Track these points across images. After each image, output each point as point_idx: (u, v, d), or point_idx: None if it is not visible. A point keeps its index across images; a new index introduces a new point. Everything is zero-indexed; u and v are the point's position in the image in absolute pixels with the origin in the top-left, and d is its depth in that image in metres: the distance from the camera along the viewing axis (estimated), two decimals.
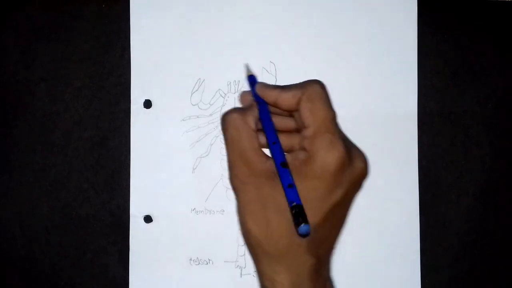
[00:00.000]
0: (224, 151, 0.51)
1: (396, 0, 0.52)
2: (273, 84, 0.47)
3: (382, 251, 0.52)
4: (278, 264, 0.42)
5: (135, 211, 0.51)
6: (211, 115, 0.52)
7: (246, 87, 0.51)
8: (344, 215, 0.45)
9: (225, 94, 0.52)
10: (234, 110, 0.43)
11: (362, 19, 0.52)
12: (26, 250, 0.52)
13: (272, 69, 0.52)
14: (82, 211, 0.52)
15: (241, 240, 0.51)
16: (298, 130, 0.45)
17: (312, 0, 0.52)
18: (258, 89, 0.46)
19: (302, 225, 0.38)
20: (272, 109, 0.46)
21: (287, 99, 0.44)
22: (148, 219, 0.51)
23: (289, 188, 0.40)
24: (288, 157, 0.43)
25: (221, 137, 0.51)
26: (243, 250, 0.51)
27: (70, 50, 0.52)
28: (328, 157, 0.41)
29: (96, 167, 0.52)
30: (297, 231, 0.39)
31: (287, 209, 0.41)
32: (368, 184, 0.48)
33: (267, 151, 0.43)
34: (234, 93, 0.52)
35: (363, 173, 0.44)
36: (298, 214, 0.39)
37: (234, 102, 0.51)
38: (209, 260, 0.51)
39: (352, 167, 0.43)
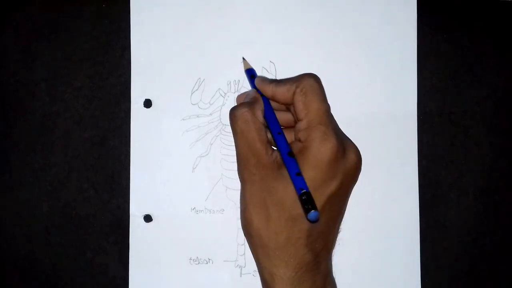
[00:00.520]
0: (224, 151, 0.51)
1: (396, 0, 0.52)
2: (271, 78, 0.48)
3: (382, 251, 0.52)
4: (277, 258, 0.43)
5: (135, 211, 0.51)
6: (211, 114, 0.52)
7: (245, 87, 0.52)
8: (340, 209, 0.46)
9: (225, 94, 0.52)
10: (243, 104, 0.45)
11: (362, 19, 0.52)
12: (26, 250, 0.52)
13: (272, 69, 0.52)
14: (82, 210, 0.52)
15: (241, 239, 0.51)
16: (295, 124, 0.46)
17: (312, 0, 0.52)
18: (257, 83, 0.47)
19: (312, 211, 0.39)
20: (271, 104, 0.47)
21: (282, 93, 0.45)
22: (148, 218, 0.51)
23: (297, 176, 0.41)
24: None
25: (221, 136, 0.51)
26: (243, 249, 0.51)
27: (70, 50, 0.53)
28: (321, 147, 0.43)
29: (96, 166, 0.52)
30: (307, 217, 0.40)
31: (288, 202, 0.43)
32: (368, 184, 0.49)
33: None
34: (234, 92, 0.52)
35: (356, 165, 0.45)
36: (307, 201, 0.40)
37: (234, 101, 0.51)
38: (209, 259, 0.51)
39: (346, 159, 0.44)
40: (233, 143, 0.50)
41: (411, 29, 0.52)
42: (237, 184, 0.50)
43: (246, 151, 0.44)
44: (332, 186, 0.43)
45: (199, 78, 0.52)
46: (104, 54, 0.52)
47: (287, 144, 0.44)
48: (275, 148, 0.45)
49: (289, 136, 0.46)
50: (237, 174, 0.46)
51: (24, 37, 0.53)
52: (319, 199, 0.43)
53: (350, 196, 0.47)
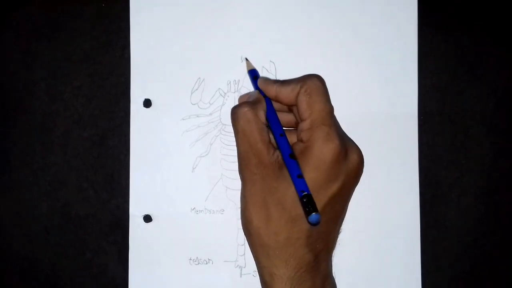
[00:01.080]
0: (224, 151, 0.51)
1: (396, 0, 0.52)
2: (274, 78, 0.48)
3: (382, 251, 0.52)
4: (277, 258, 0.43)
5: (134, 211, 0.51)
6: (211, 114, 0.52)
7: (245, 86, 0.52)
8: (341, 210, 0.46)
9: (225, 94, 0.52)
10: (245, 103, 0.45)
11: (362, 19, 0.52)
12: (25, 250, 0.52)
13: (272, 68, 0.52)
14: (81, 210, 0.52)
15: (241, 240, 0.51)
16: (297, 125, 0.46)
17: (312, 0, 0.52)
18: (260, 84, 0.47)
19: (313, 214, 0.40)
20: (273, 104, 0.47)
21: (286, 93, 0.45)
22: (147, 218, 0.51)
23: (299, 178, 0.41)
24: None
25: (221, 136, 0.51)
26: (243, 249, 0.51)
27: (70, 50, 0.53)
28: (324, 148, 0.43)
29: (96, 166, 0.52)
30: (308, 220, 0.40)
31: (289, 203, 0.43)
32: (368, 184, 0.49)
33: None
34: (234, 92, 0.52)
35: (358, 166, 0.45)
36: (308, 203, 0.40)
37: (234, 101, 0.51)
38: (209, 259, 0.51)
39: (348, 160, 0.44)
40: (233, 143, 0.50)
41: (411, 29, 0.52)
42: (237, 184, 0.50)
43: (247, 151, 0.44)
44: (334, 187, 0.43)
45: (199, 77, 0.52)
46: (104, 54, 0.52)
47: (288, 146, 0.44)
48: (276, 148, 0.45)
49: (291, 138, 0.46)
50: (237, 174, 0.46)
51: (24, 37, 0.53)
52: (320, 200, 0.43)
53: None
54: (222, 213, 0.51)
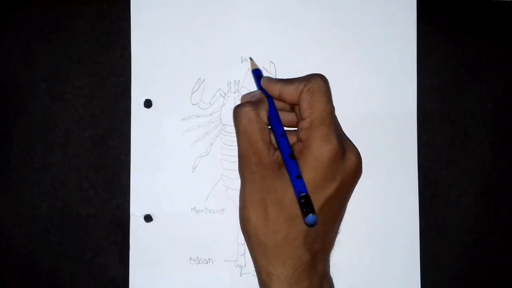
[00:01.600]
0: (224, 151, 0.51)
1: (396, 0, 0.52)
2: (277, 78, 0.48)
3: (382, 251, 0.52)
4: (274, 257, 0.43)
5: (135, 211, 0.51)
6: (211, 114, 0.52)
7: (245, 87, 0.52)
8: (339, 210, 0.46)
9: (225, 94, 0.52)
10: (248, 103, 0.45)
11: (362, 19, 0.52)
12: (26, 250, 0.52)
13: (272, 69, 0.52)
14: (82, 210, 0.52)
15: (241, 239, 0.51)
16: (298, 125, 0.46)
17: (312, 1, 0.52)
18: (263, 83, 0.47)
19: (310, 215, 0.40)
20: (275, 103, 0.47)
21: (289, 92, 0.45)
22: (148, 218, 0.51)
23: (297, 179, 0.42)
24: None
25: (221, 136, 0.51)
26: (243, 249, 0.51)
27: (70, 50, 0.53)
28: (321, 148, 0.43)
29: (96, 166, 0.52)
30: (304, 221, 0.40)
31: (287, 202, 0.43)
32: (368, 184, 0.49)
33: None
34: (234, 92, 0.52)
35: (356, 167, 0.45)
36: (306, 204, 0.40)
37: (234, 101, 0.51)
38: (209, 259, 0.51)
39: (345, 161, 0.44)
40: (234, 143, 0.50)
41: (411, 29, 0.52)
42: (237, 184, 0.50)
43: (248, 150, 0.44)
44: (331, 187, 0.43)
45: (199, 78, 0.52)
46: (104, 54, 0.52)
47: (289, 146, 0.44)
48: (276, 148, 0.45)
49: (291, 138, 0.46)
50: (237, 174, 0.47)
51: (24, 37, 0.53)
52: (318, 200, 0.43)
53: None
54: (222, 213, 0.51)
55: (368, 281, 0.52)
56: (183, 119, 0.52)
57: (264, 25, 0.52)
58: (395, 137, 0.52)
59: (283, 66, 0.52)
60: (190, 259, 0.51)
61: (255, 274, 0.49)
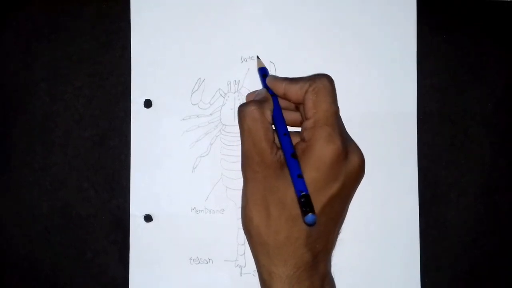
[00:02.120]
0: (224, 151, 0.51)
1: (396, 0, 0.52)
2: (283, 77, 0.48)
3: (382, 251, 0.52)
4: (276, 257, 0.43)
5: (135, 211, 0.51)
6: (211, 114, 0.52)
7: (246, 87, 0.52)
8: (341, 211, 0.46)
9: (225, 94, 0.52)
10: (253, 102, 0.45)
11: (362, 19, 0.52)
12: (26, 250, 0.52)
13: (272, 69, 0.52)
14: (82, 210, 0.52)
15: (241, 239, 0.51)
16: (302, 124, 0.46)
17: (312, 1, 0.52)
18: (269, 82, 0.47)
19: (309, 214, 0.40)
20: (280, 102, 0.47)
21: (295, 91, 0.45)
22: (148, 218, 0.51)
23: (298, 178, 0.41)
24: None
25: (221, 136, 0.51)
26: (243, 249, 0.51)
27: (70, 50, 0.53)
28: (324, 148, 0.43)
29: (96, 166, 0.52)
30: (304, 220, 0.40)
31: (289, 202, 0.43)
32: (368, 184, 0.49)
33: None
34: (234, 92, 0.52)
35: (359, 168, 0.45)
36: (306, 204, 0.40)
37: (234, 101, 0.51)
38: (209, 259, 0.51)
39: (348, 161, 0.44)
40: (233, 143, 0.50)
41: (411, 29, 0.52)
42: (237, 184, 0.50)
43: (251, 149, 0.44)
44: (334, 187, 0.43)
45: (199, 78, 0.52)
46: (104, 54, 0.52)
47: (291, 145, 0.44)
48: (279, 148, 0.45)
49: (295, 139, 0.46)
50: (237, 174, 0.46)
51: (24, 37, 0.53)
52: (320, 200, 0.43)
53: None
54: (222, 213, 0.51)
55: (368, 281, 0.52)
56: (183, 119, 0.52)
57: (264, 25, 0.52)
58: (395, 137, 0.52)
59: (283, 66, 0.52)
60: (190, 259, 0.51)
61: (255, 274, 0.49)
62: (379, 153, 0.52)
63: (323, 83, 0.44)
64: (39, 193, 0.52)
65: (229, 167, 0.51)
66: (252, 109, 0.44)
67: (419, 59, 0.52)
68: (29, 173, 0.52)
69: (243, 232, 0.46)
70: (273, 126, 0.46)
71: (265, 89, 0.48)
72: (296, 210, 0.42)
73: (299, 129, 0.47)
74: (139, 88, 0.52)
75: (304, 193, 0.41)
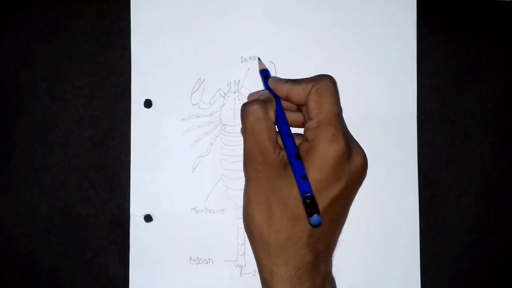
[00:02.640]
0: (224, 151, 0.51)
1: (396, 0, 0.52)
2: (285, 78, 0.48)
3: (382, 251, 0.52)
4: (277, 256, 0.43)
5: (135, 211, 0.51)
6: (211, 114, 0.52)
7: (246, 87, 0.52)
8: (343, 211, 0.46)
9: (225, 94, 0.52)
10: (256, 101, 0.45)
11: (362, 19, 0.52)
12: (26, 250, 0.52)
13: (272, 69, 0.52)
14: (82, 210, 0.52)
15: (241, 239, 0.51)
16: (304, 125, 0.46)
17: (312, 1, 0.52)
18: (271, 83, 0.47)
19: (315, 215, 0.40)
20: (282, 103, 0.47)
21: (297, 92, 0.45)
22: (148, 218, 0.51)
23: (303, 179, 0.41)
24: None
25: (221, 136, 0.51)
26: (243, 249, 0.51)
27: (70, 50, 0.53)
28: (328, 149, 0.43)
29: (96, 166, 0.52)
30: (309, 221, 0.40)
31: (291, 202, 0.43)
32: (368, 184, 0.49)
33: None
34: (234, 92, 0.52)
35: (362, 169, 0.45)
36: (311, 205, 0.40)
37: (234, 101, 0.51)
38: (209, 259, 0.51)
39: (351, 162, 0.44)
40: (234, 143, 0.50)
41: (411, 29, 0.52)
42: (237, 184, 0.50)
43: (254, 149, 0.44)
44: (337, 188, 0.43)
45: (199, 78, 0.52)
46: (104, 54, 0.52)
47: (295, 146, 0.44)
48: (282, 148, 0.45)
49: (297, 140, 0.46)
50: (237, 174, 0.47)
51: (24, 37, 0.53)
52: (323, 201, 0.43)
53: None
54: (222, 213, 0.51)
55: (368, 280, 0.52)
56: (183, 119, 0.52)
57: (264, 25, 0.52)
58: (395, 137, 0.52)
59: (283, 66, 0.52)
60: (190, 259, 0.51)
61: (255, 274, 0.49)
62: (379, 153, 0.52)
63: (326, 84, 0.44)
64: (39, 193, 0.52)
65: (229, 167, 0.51)
66: (256, 108, 0.44)
67: (419, 59, 0.52)
68: (29, 173, 0.52)
69: (244, 232, 0.46)
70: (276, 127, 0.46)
71: (267, 91, 0.48)
72: (299, 210, 0.42)
73: (300, 130, 0.47)
74: (139, 88, 0.52)
75: (309, 194, 0.41)
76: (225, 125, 0.52)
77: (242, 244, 0.51)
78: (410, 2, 0.52)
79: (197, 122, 0.52)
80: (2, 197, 0.52)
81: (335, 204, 0.44)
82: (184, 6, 0.52)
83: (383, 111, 0.52)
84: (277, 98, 0.47)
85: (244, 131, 0.45)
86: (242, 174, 0.46)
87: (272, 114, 0.45)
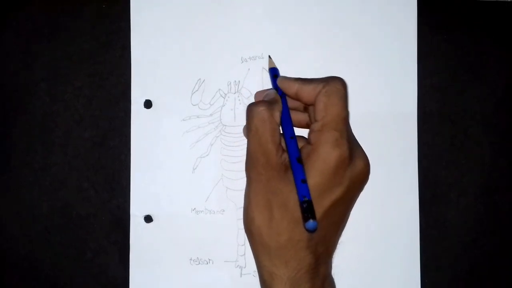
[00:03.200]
0: (224, 152, 0.51)
1: (396, 0, 0.52)
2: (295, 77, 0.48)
3: (382, 251, 0.52)
4: (277, 258, 0.43)
5: (135, 211, 0.51)
6: (211, 115, 0.52)
7: (246, 87, 0.52)
8: (344, 215, 0.46)
9: (225, 94, 0.52)
10: (262, 102, 0.44)
11: (362, 19, 0.52)
12: (26, 250, 0.52)
13: None
14: (82, 210, 0.52)
15: (241, 240, 0.51)
16: (309, 126, 0.46)
17: (312, 0, 0.52)
18: (280, 81, 0.47)
19: (310, 221, 0.40)
20: (288, 102, 0.46)
21: (307, 91, 0.45)
22: (148, 218, 0.51)
23: (302, 183, 0.41)
24: None
25: (221, 137, 0.51)
26: (243, 249, 0.51)
27: (70, 50, 0.52)
28: (330, 153, 0.42)
29: (96, 166, 0.52)
30: (305, 226, 0.40)
31: (292, 205, 0.43)
32: (368, 184, 0.48)
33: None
34: (234, 93, 0.52)
35: (364, 174, 0.45)
36: (308, 210, 0.40)
37: (234, 102, 0.51)
38: (209, 260, 0.51)
39: (353, 166, 0.44)
40: (234, 144, 0.50)
41: (411, 29, 0.52)
42: (237, 185, 0.50)
43: (257, 150, 0.44)
44: (338, 192, 0.43)
45: (199, 78, 0.52)
46: (104, 54, 0.52)
47: (297, 149, 0.43)
48: (285, 150, 0.45)
49: (301, 143, 0.46)
50: (237, 174, 0.46)
51: (24, 37, 0.53)
52: (323, 204, 0.43)
53: None
54: (222, 214, 0.51)
55: (368, 281, 0.52)
56: (183, 120, 0.52)
57: (264, 25, 0.52)
58: (395, 137, 0.52)
59: (283, 67, 0.52)
60: (190, 259, 0.51)
61: (255, 274, 0.49)
62: (379, 153, 0.52)
63: (336, 87, 0.44)
64: (39, 193, 0.52)
65: (229, 168, 0.51)
66: (261, 110, 0.44)
67: (419, 59, 0.52)
68: (29, 173, 0.52)
69: (244, 232, 0.46)
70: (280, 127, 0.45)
71: (274, 90, 0.47)
72: (299, 213, 0.42)
73: (303, 132, 0.47)
74: (139, 88, 0.52)
75: (306, 198, 0.41)
76: (225, 125, 0.52)
77: (242, 245, 0.51)
78: (411, 2, 0.52)
79: (197, 122, 0.52)
80: (2, 197, 0.52)
81: (335, 208, 0.44)
82: (184, 6, 0.52)
83: (383, 111, 0.52)
84: (284, 98, 0.47)
85: (248, 132, 0.44)
86: (242, 175, 0.46)
87: (277, 115, 0.44)
